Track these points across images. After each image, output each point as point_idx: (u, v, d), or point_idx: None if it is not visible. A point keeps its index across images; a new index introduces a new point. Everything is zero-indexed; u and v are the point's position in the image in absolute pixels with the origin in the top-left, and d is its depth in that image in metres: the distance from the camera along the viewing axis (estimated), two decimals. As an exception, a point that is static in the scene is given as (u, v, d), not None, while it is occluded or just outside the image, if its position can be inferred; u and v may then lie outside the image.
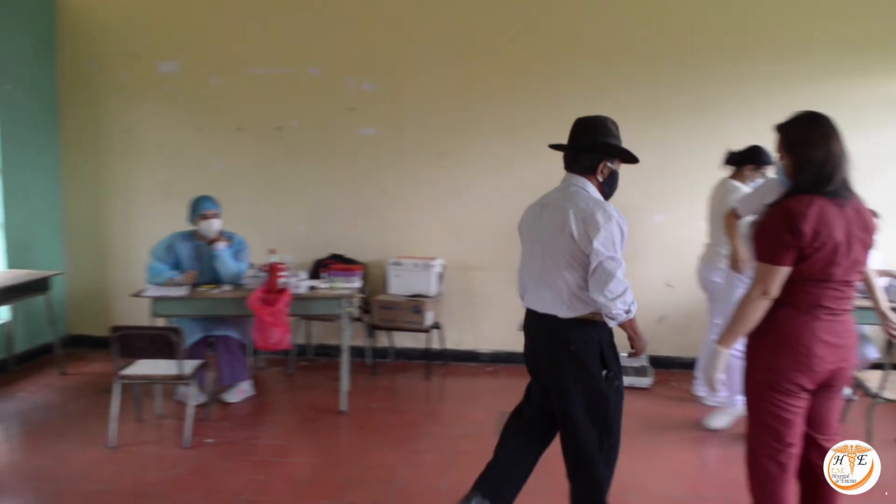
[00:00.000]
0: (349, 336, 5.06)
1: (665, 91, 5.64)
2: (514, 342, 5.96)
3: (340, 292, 4.90)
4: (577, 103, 5.65)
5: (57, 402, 5.14)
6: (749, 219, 4.13)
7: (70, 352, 6.13)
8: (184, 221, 5.10)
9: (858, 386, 4.24)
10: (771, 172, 4.40)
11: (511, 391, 5.42)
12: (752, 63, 5.58)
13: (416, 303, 5.59)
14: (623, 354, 3.08)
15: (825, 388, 2.67)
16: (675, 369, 5.79)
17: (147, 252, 5.15)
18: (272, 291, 4.67)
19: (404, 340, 6.13)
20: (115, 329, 4.19)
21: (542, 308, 3.01)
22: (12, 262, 5.76)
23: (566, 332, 2.94)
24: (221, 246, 5.00)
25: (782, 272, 2.53)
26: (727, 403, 4.60)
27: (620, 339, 3.01)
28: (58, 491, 3.80)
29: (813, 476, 2.80)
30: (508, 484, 3.23)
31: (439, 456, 4.26)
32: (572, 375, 2.94)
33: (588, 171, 3.00)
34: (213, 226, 4.99)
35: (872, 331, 5.05)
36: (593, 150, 2.99)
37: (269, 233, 5.92)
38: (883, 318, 3.32)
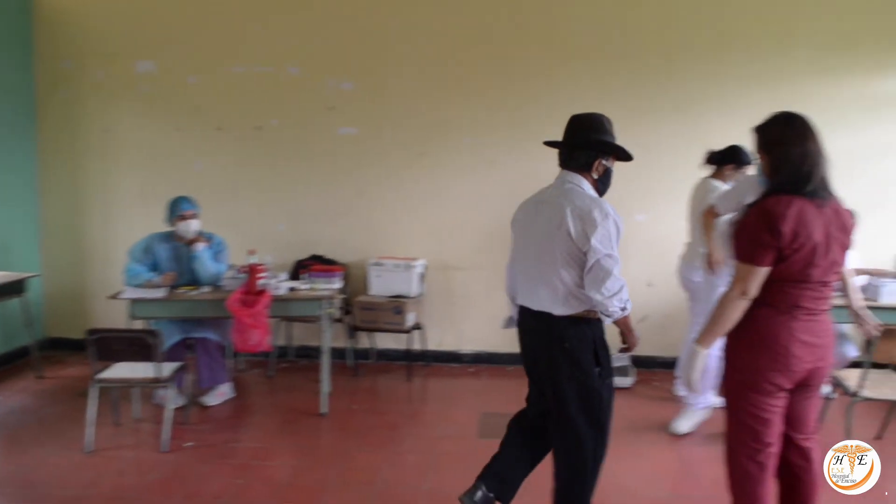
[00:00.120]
0: (330, 337, 5.02)
1: (646, 90, 5.65)
2: (496, 342, 6.02)
3: (321, 293, 4.86)
4: (557, 102, 5.65)
5: (33, 406, 5.07)
6: (727, 217, 4.14)
7: (47, 355, 6.05)
8: (163, 222, 5.04)
9: (838, 385, 4.26)
10: (751, 172, 4.41)
11: (493, 392, 5.47)
12: (733, 62, 5.59)
13: (398, 303, 5.56)
14: (615, 354, 3.10)
15: (803, 387, 2.68)
16: (656, 369, 5.80)
17: (125, 253, 5.08)
18: (252, 293, 4.63)
19: (386, 341, 6.10)
20: (92, 332, 4.13)
21: (536, 305, 3.01)
22: (-12, 264, 5.68)
23: (561, 329, 2.94)
24: (201, 247, 4.94)
25: (761, 272, 2.54)
26: (689, 406, 4.57)
27: (610, 335, 3.04)
28: (33, 497, 3.73)
29: (792, 475, 2.82)
30: (511, 478, 3.24)
31: (421, 457, 4.24)
32: (566, 373, 2.95)
33: (583, 169, 3.01)
34: (192, 227, 4.94)
35: (852, 330, 5.09)
36: (589, 147, 2.99)
37: (249, 233, 5.87)
38: (856, 317, 3.35)
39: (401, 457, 4.26)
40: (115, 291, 4.90)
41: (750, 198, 3.66)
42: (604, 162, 3.01)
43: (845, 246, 2.61)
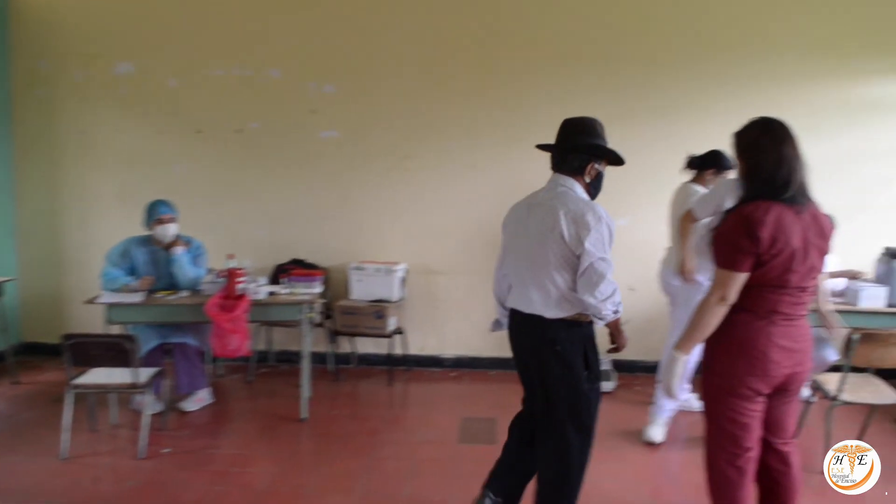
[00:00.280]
0: (310, 342, 4.97)
1: (627, 95, 5.65)
2: (478, 347, 6.01)
3: (300, 298, 4.82)
4: (540, 107, 5.69)
5: (8, 412, 5.00)
6: (705, 222, 4.15)
7: (23, 360, 5.97)
8: (141, 226, 4.98)
9: (818, 388, 4.27)
10: (732, 177, 4.42)
11: (474, 396, 5.45)
12: (714, 67, 5.61)
13: (379, 308, 5.53)
14: (602, 355, 3.11)
15: (781, 392, 2.69)
16: (638, 373, 5.81)
17: (103, 257, 5.01)
18: (231, 297, 4.58)
19: (367, 346, 6.06)
20: (67, 337, 4.07)
21: (528, 308, 3.01)
22: (-38, 268, 5.59)
23: (552, 332, 2.95)
24: (179, 250, 4.89)
25: (740, 278, 2.55)
26: (656, 412, 4.54)
27: (598, 336, 3.06)
28: (6, 505, 3.68)
29: (771, 479, 2.84)
30: (517, 481, 3.25)
31: (402, 463, 4.21)
32: (557, 375, 2.96)
33: (576, 172, 3.02)
34: (169, 231, 4.88)
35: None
36: (582, 150, 3.00)
37: (229, 237, 5.83)
38: (824, 319, 3.37)
39: (381, 463, 4.23)
40: (93, 296, 4.84)
41: (728, 202, 3.69)
42: (596, 166, 3.02)
43: (823, 251, 2.62)
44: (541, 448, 3.11)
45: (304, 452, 4.43)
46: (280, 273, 5.59)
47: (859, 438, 4.46)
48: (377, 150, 5.90)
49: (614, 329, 3.04)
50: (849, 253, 5.08)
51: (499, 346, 5.84)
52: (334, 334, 5.76)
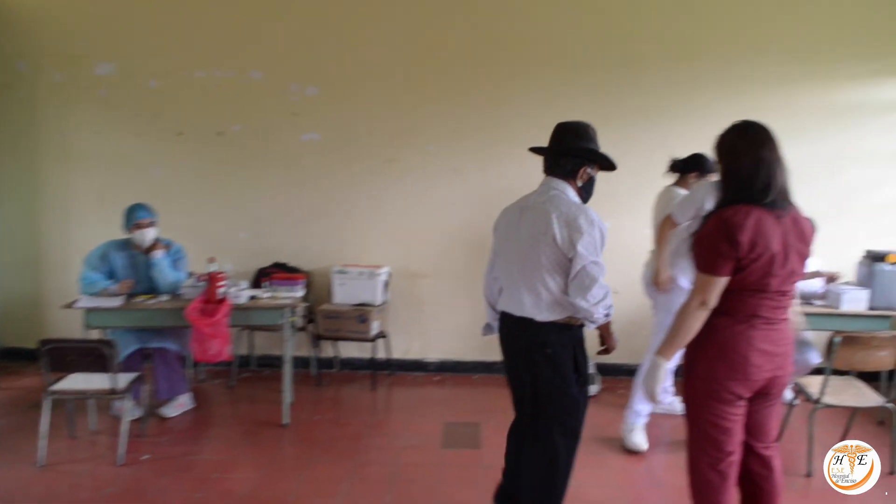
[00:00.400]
0: (292, 347, 4.94)
1: (611, 97, 5.65)
2: (462, 351, 5.99)
3: (282, 302, 4.78)
4: (522, 110, 5.68)
5: (-16, 418, 4.93)
6: (685, 226, 4.16)
7: (1, 365, 5.89)
8: (120, 229, 4.92)
9: (800, 391, 4.28)
10: (712, 180, 4.43)
11: (458, 400, 5.43)
12: (698, 71, 5.62)
13: (362, 312, 5.50)
14: (591, 357, 3.14)
15: (762, 396, 2.69)
16: (622, 376, 5.79)
17: (82, 261, 4.95)
18: (211, 302, 4.53)
19: (350, 350, 6.03)
20: (44, 342, 4.01)
21: (519, 311, 3.01)
22: (-62, 272, 5.51)
23: (543, 335, 2.96)
24: (159, 254, 4.84)
25: (720, 282, 2.54)
26: (633, 419, 4.51)
27: (587, 338, 3.08)
28: (-19, 514, 3.62)
29: (752, 483, 2.84)
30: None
31: (384, 469, 4.18)
32: (547, 378, 2.97)
33: (568, 176, 3.03)
34: (148, 235, 4.83)
35: (814, 336, 5.12)
36: (575, 154, 3.01)
37: (210, 241, 5.78)
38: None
39: (363, 468, 4.19)
40: (72, 300, 4.78)
41: (708, 204, 3.70)
42: (588, 170, 3.04)
43: (804, 255, 2.62)
44: (527, 452, 3.11)
45: (285, 458, 4.38)
46: (262, 277, 5.54)
47: (842, 441, 4.49)
48: (360, 152, 5.87)
49: (605, 332, 3.06)
50: (831, 256, 5.11)
51: (482, 349, 5.87)
52: (317, 338, 5.72)
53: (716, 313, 2.59)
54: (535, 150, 3.17)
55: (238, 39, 5.83)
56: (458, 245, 5.87)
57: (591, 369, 5.45)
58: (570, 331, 2.98)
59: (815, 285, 4.83)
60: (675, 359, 2.77)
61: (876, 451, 4.00)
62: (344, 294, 5.61)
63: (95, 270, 4.84)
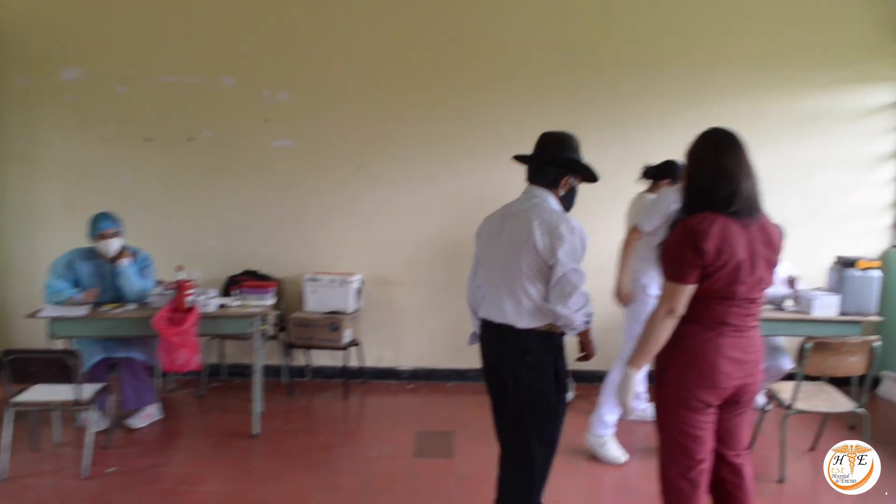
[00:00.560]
0: (263, 356, 4.87)
1: (583, 104, 5.66)
2: (435, 358, 5.95)
3: (252, 310, 4.71)
4: (494, 117, 5.68)
5: (-56, 431, 4.79)
6: (651, 232, 4.16)
7: (-37, 376, 5.74)
8: (85, 238, 4.83)
9: (772, 397, 4.29)
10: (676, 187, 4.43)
11: (431, 409, 5.38)
12: (671, 77, 5.64)
13: (334, 320, 5.44)
14: (571, 363, 3.12)
15: (733, 404, 2.68)
16: (596, 383, 5.75)
17: (46, 269, 4.84)
18: (179, 310, 4.46)
19: (322, 358, 5.96)
20: (6, 353, 3.93)
21: (499, 318, 3.00)
22: None
23: (524, 342, 2.94)
24: (126, 262, 4.75)
25: (687, 290, 2.54)
26: (602, 430, 4.46)
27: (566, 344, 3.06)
28: (-62, 530, 3.52)
29: (724, 491, 2.82)
30: None
31: (356, 479, 4.13)
32: (527, 385, 2.96)
33: (551, 185, 3.04)
34: (112, 245, 4.73)
35: (786, 342, 5.15)
36: (560, 164, 3.02)
37: (179, 248, 5.70)
38: None
39: (335, 479, 4.13)
40: (36, 309, 4.67)
41: (674, 207, 3.70)
42: (571, 180, 3.05)
43: (772, 262, 2.61)
44: (505, 459, 3.12)
45: (255, 469, 4.30)
46: (232, 285, 5.46)
47: (814, 446, 4.52)
48: (332, 159, 5.82)
49: (584, 339, 3.09)
50: (802, 261, 5.14)
51: (456, 357, 5.84)
52: (288, 347, 5.65)
53: (684, 321, 2.58)
54: (518, 158, 3.17)
55: (209, 45, 5.76)
56: (432, 252, 5.83)
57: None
58: (551, 338, 2.97)
59: (781, 289, 4.85)
60: (647, 365, 2.75)
61: (847, 456, 4.02)
62: (316, 302, 5.55)
63: (61, 279, 4.74)
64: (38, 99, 5.86)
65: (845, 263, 4.77)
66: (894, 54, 5.61)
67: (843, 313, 4.69)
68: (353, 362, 5.81)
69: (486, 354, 3.17)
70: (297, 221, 5.89)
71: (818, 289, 4.94)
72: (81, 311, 4.54)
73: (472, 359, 5.71)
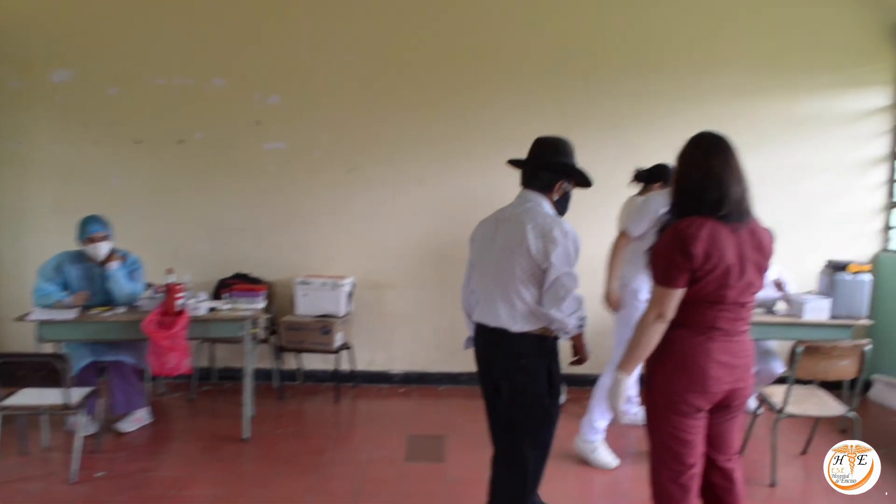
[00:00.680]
0: (253, 359, 4.84)
1: (575, 107, 5.66)
2: (427, 362, 5.94)
3: (242, 314, 4.68)
4: (489, 119, 5.67)
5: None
6: (639, 236, 4.16)
7: (-49, 379, 5.69)
8: (74, 241, 4.80)
9: (764, 401, 4.29)
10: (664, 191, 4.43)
11: (423, 412, 5.37)
12: (665, 80, 5.65)
13: (325, 323, 5.41)
14: (565, 368, 3.15)
15: (723, 408, 2.67)
16: (588, 386, 5.74)
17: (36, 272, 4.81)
18: (169, 314, 4.43)
19: (313, 362, 5.94)
20: (-6, 357, 3.89)
21: (493, 322, 3.02)
22: None
23: (518, 346, 2.97)
24: (115, 265, 4.71)
25: (676, 294, 2.53)
26: (592, 435, 4.43)
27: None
28: (-76, 536, 3.48)
29: (714, 496, 2.81)
30: None
31: (347, 483, 4.11)
32: (521, 389, 2.99)
33: (545, 189, 3.07)
34: (101, 249, 4.70)
35: (777, 346, 5.16)
36: (554, 169, 3.05)
37: (170, 251, 5.67)
38: None
39: (326, 483, 4.11)
40: (25, 312, 4.63)
41: (661, 211, 3.70)
42: (565, 185, 3.09)
43: (762, 267, 2.61)
44: (497, 461, 3.13)
45: (245, 474, 4.28)
46: (223, 288, 5.43)
47: (805, 450, 4.52)
48: (323, 162, 5.80)
49: (578, 343, 3.10)
50: (793, 265, 5.15)
51: (447, 360, 5.83)
52: (279, 350, 5.62)
53: (674, 325, 2.58)
54: (513, 162, 3.20)
55: (200, 46, 5.74)
56: (423, 255, 5.82)
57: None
58: (545, 342, 3.00)
59: (769, 292, 4.85)
60: (638, 369, 2.75)
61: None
62: (307, 305, 5.52)
63: (50, 282, 4.70)
64: (29, 100, 5.83)
65: (836, 267, 4.77)
66: (886, 58, 5.64)
67: (834, 317, 4.70)
68: (345, 366, 5.79)
69: (481, 358, 3.18)
70: (288, 224, 5.87)
71: (809, 292, 4.95)
72: (70, 314, 4.51)
73: (464, 362, 5.75)
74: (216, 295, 5.42)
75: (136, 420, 4.85)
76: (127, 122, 5.82)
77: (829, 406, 4.22)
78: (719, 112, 5.53)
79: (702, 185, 2.54)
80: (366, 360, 5.96)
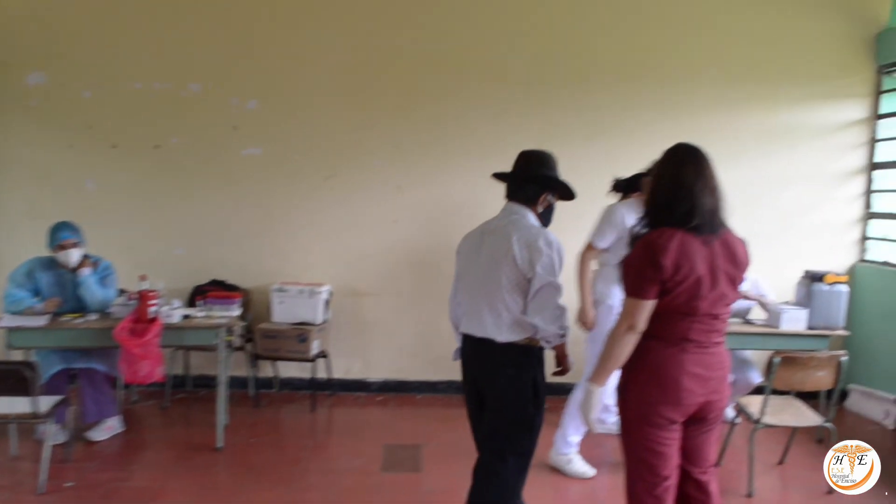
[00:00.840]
0: (228, 367, 4.77)
1: (554, 116, 5.65)
2: (405, 370, 5.90)
3: (217, 321, 4.61)
4: (468, 128, 5.65)
5: None
6: (605, 248, 4.14)
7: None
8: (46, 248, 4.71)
9: (741, 411, 4.28)
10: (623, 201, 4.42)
11: (400, 421, 5.32)
12: (644, 91, 5.66)
13: (302, 331, 5.36)
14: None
15: (699, 421, 2.65)
16: (564, 395, 5.74)
17: (6, 278, 4.72)
18: (142, 321, 4.36)
19: (290, 370, 5.87)
20: (-40, 364, 3.80)
21: (480, 332, 3.06)
22: None
23: (502, 356, 3.02)
24: (87, 271, 4.64)
25: (647, 306, 2.52)
26: (567, 448, 4.39)
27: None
28: None
29: None
30: None
31: (322, 494, 4.06)
32: (505, 399, 3.02)
33: (529, 201, 3.13)
34: (72, 257, 4.61)
35: (755, 355, 5.16)
36: (539, 182, 3.12)
37: (145, 257, 5.59)
38: None
39: (300, 494, 4.06)
40: (-4, 319, 4.55)
41: (628, 220, 3.77)
42: (549, 197, 3.15)
43: (735, 278, 2.59)
44: (479, 469, 3.14)
45: (218, 484, 4.21)
46: (198, 295, 5.36)
47: (782, 460, 4.52)
48: (301, 168, 5.75)
49: (560, 352, 3.11)
50: (771, 276, 5.16)
51: (426, 369, 5.80)
52: (255, 358, 5.55)
53: (647, 337, 2.56)
54: (498, 175, 3.25)
55: (177, 50, 5.67)
56: (402, 263, 5.78)
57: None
58: (530, 352, 3.03)
59: (742, 302, 4.85)
60: (615, 379, 2.72)
61: (814, 470, 4.03)
62: (283, 313, 5.46)
63: (21, 288, 4.62)
64: (2, 103, 5.72)
65: (814, 278, 4.79)
66: (864, 70, 5.69)
67: (811, 327, 4.73)
68: (322, 374, 5.73)
69: (467, 367, 3.22)
70: (265, 231, 5.81)
71: (787, 303, 4.96)
72: (41, 321, 4.42)
73: (442, 370, 5.73)
74: (191, 302, 5.35)
75: (108, 429, 4.77)
76: (102, 126, 5.74)
77: (806, 416, 4.23)
78: (698, 123, 5.56)
79: (673, 196, 2.54)
80: (343, 368, 5.90)
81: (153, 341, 4.29)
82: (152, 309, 4.40)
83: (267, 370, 5.84)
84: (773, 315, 4.76)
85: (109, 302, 4.66)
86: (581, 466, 4.35)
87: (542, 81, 5.65)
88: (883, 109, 5.72)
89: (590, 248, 4.27)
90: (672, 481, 2.66)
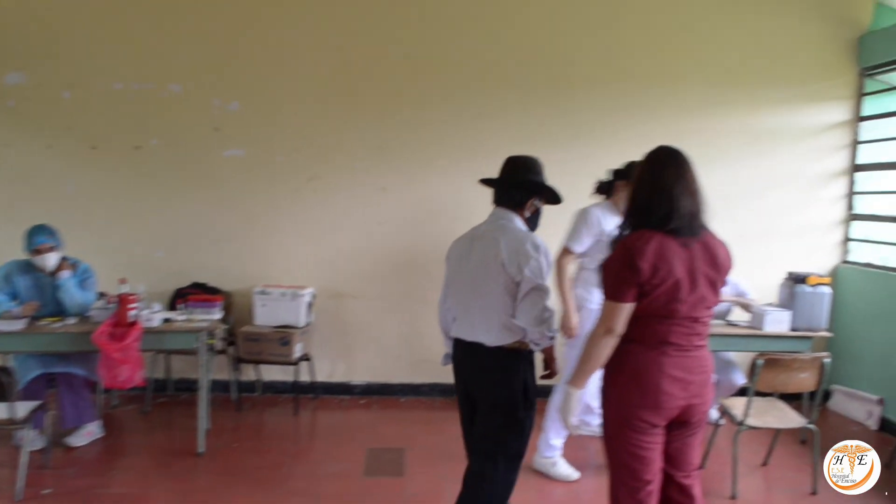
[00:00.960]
0: (209, 371, 4.73)
1: (537, 119, 5.64)
2: (388, 373, 5.87)
3: (198, 325, 4.56)
4: (451, 129, 5.63)
5: None
6: (590, 260, 4.13)
7: None
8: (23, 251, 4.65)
9: (725, 412, 4.28)
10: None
11: (383, 424, 5.29)
12: (627, 93, 5.66)
13: (284, 334, 5.31)
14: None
15: (682, 425, 2.64)
16: (546, 397, 5.74)
17: (-17, 281, 4.65)
18: (121, 325, 4.30)
19: (272, 373, 5.83)
20: (-65, 370, 3.74)
21: (470, 336, 3.11)
22: None
23: (492, 360, 3.05)
24: (66, 275, 4.57)
25: (625, 309, 2.51)
26: (550, 451, 4.36)
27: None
28: None
29: None
30: None
31: (305, 499, 4.02)
32: (496, 402, 3.06)
33: (517, 207, 3.18)
34: (48, 261, 4.55)
35: (738, 357, 5.17)
36: (526, 187, 3.17)
37: (126, 260, 5.54)
38: None
39: (283, 499, 4.01)
40: (-29, 323, 4.48)
41: (604, 222, 3.84)
42: (536, 202, 3.20)
43: (715, 281, 2.58)
44: (469, 471, 3.16)
45: (200, 490, 4.15)
46: (179, 298, 5.31)
47: (765, 461, 4.53)
48: (284, 170, 5.70)
49: (548, 355, 3.17)
50: (754, 277, 5.17)
51: (409, 371, 5.78)
52: (238, 362, 5.50)
53: (627, 340, 2.56)
54: (485, 181, 3.28)
55: (158, 50, 5.60)
56: (385, 265, 5.75)
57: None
58: (520, 355, 3.06)
59: (722, 304, 4.85)
60: (597, 381, 2.71)
61: (798, 471, 4.04)
62: (266, 315, 5.42)
63: (-1, 291, 4.56)
64: (-23, 104, 5.66)
65: (796, 279, 4.80)
66: (846, 73, 5.72)
67: (794, 329, 4.73)
68: (305, 377, 5.69)
69: (458, 370, 3.25)
70: (247, 233, 5.76)
71: (770, 304, 4.97)
72: (19, 325, 4.35)
73: (425, 373, 5.71)
74: (172, 305, 5.29)
75: (87, 434, 4.70)
76: (82, 127, 5.67)
77: (790, 418, 4.24)
78: (681, 125, 5.57)
79: (651, 198, 2.54)
80: (326, 371, 5.87)
81: (133, 345, 4.23)
82: (132, 312, 4.35)
83: (249, 374, 5.80)
84: (757, 317, 4.77)
85: (89, 305, 4.60)
86: (565, 469, 4.34)
87: (526, 84, 5.64)
88: (865, 112, 5.75)
89: (566, 253, 4.22)
90: (655, 486, 2.65)
